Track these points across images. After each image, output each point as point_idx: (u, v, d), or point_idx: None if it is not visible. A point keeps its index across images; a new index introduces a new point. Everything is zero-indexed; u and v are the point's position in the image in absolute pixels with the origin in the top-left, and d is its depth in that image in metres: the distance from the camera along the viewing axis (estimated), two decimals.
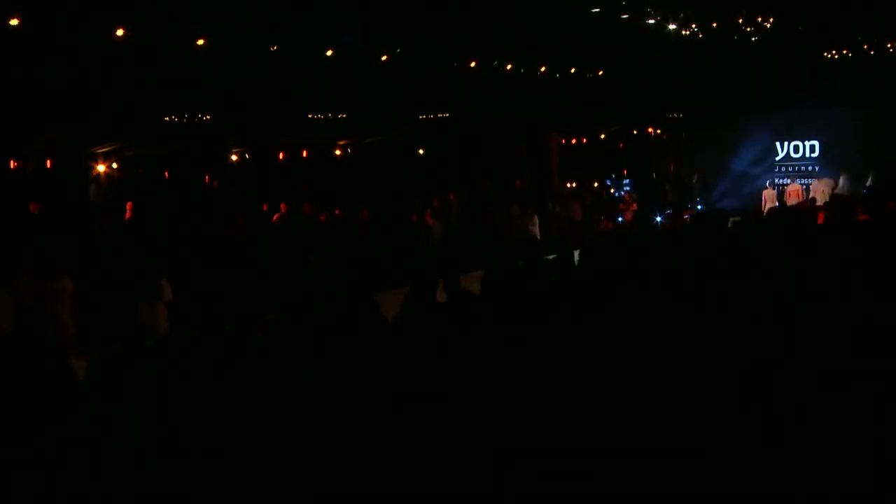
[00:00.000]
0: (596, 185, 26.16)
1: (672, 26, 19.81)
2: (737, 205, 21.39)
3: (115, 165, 17.41)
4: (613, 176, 27.07)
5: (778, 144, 24.24)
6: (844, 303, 5.59)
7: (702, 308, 5.83)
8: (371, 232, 17.61)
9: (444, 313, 6.50)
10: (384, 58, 17.12)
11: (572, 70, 21.93)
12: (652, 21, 19.42)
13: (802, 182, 23.00)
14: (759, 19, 21.69)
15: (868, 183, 20.36)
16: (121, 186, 17.52)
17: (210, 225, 16.32)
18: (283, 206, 17.85)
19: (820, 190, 21.21)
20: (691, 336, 5.15)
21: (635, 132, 28.00)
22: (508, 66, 19.85)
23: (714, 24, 20.92)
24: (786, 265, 6.84)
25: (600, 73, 23.16)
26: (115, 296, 10.79)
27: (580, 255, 8.33)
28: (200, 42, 14.18)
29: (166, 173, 20.24)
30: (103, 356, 5.22)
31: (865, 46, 24.35)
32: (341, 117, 20.74)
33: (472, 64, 19.04)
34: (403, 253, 16.55)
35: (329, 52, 16.22)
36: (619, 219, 21.96)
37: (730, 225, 11.09)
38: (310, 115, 20.21)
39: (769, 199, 21.98)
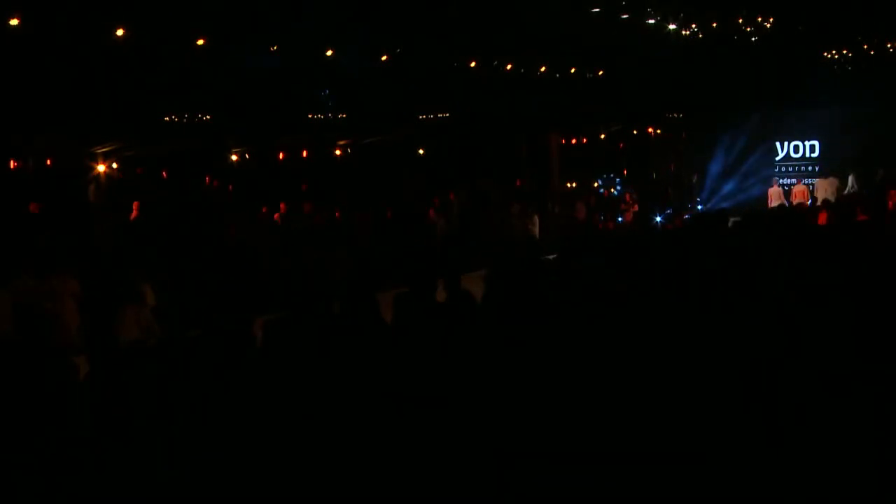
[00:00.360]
0: (597, 185, 26.16)
1: (672, 26, 19.81)
2: (736, 204, 21.42)
3: (115, 165, 17.40)
4: (605, 176, 27.04)
5: (778, 144, 24.24)
6: (844, 303, 5.59)
7: (701, 308, 5.82)
8: (371, 232, 17.62)
9: (443, 313, 6.49)
10: (384, 58, 17.12)
11: (572, 70, 21.94)
12: (652, 21, 19.42)
13: (808, 182, 23.00)
14: (759, 19, 21.69)
15: (878, 179, 20.37)
16: (121, 186, 17.51)
17: (208, 226, 16.33)
18: (282, 205, 17.85)
19: (823, 189, 21.22)
20: (691, 336, 5.15)
21: (635, 132, 28.00)
22: (508, 66, 19.85)
23: (714, 24, 20.93)
24: (785, 265, 6.84)
25: (600, 73, 23.16)
26: (107, 298, 10.75)
27: (581, 256, 8.33)
28: (200, 42, 14.18)
29: (164, 173, 20.21)
30: (103, 356, 5.22)
31: (865, 46, 24.35)
32: (341, 117, 20.74)
33: (472, 64, 19.04)
34: (404, 253, 16.55)
35: (329, 52, 16.22)
36: (619, 219, 21.97)
37: (730, 225, 11.10)
38: (310, 115, 20.21)
39: (775, 197, 22.01)
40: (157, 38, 13.74)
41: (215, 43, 14.29)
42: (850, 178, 21.25)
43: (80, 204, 16.24)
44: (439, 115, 22.86)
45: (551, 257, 10.01)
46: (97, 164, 17.02)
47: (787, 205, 20.64)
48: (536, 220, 19.68)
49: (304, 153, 21.74)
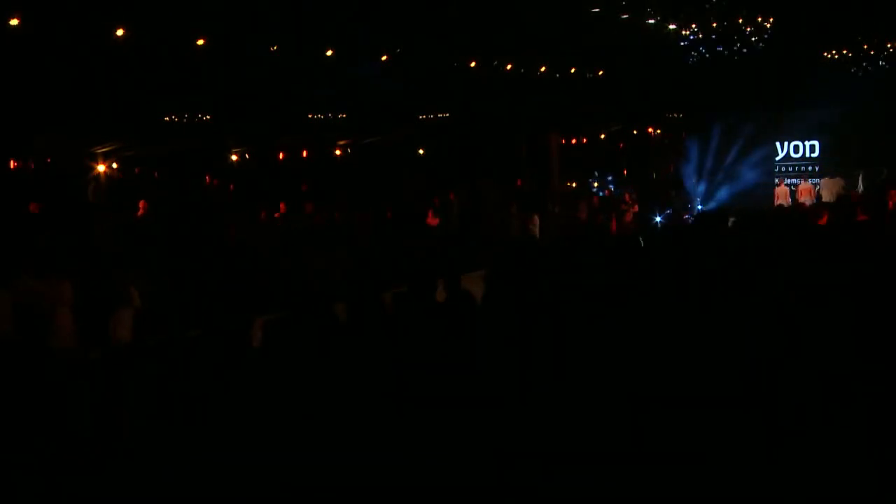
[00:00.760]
0: (596, 185, 26.15)
1: (672, 26, 19.82)
2: (735, 204, 21.39)
3: (115, 165, 17.41)
4: (598, 175, 27.01)
5: (778, 144, 24.23)
6: (844, 303, 5.59)
7: (701, 308, 5.82)
8: (371, 232, 17.61)
9: (443, 313, 6.50)
10: (384, 58, 17.13)
11: (572, 70, 21.94)
12: (652, 21, 19.42)
13: (814, 181, 22.99)
14: (759, 19, 21.69)
15: (882, 178, 20.37)
16: (120, 186, 17.52)
17: (208, 226, 16.32)
18: (282, 205, 17.84)
19: (829, 188, 21.23)
20: (691, 336, 5.15)
21: (635, 132, 28.00)
22: (508, 66, 19.85)
23: (714, 24, 20.93)
24: (785, 265, 6.84)
25: (600, 73, 23.16)
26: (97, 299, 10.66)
27: (582, 256, 8.33)
28: (200, 42, 14.19)
29: (158, 174, 20.23)
30: (103, 356, 5.22)
31: (865, 46, 24.34)
32: (341, 117, 20.75)
33: (472, 64, 19.04)
34: (404, 253, 16.54)
35: (329, 52, 16.22)
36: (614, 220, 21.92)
37: (730, 225, 11.08)
38: (310, 115, 20.23)
39: (781, 196, 22.02)
40: (157, 38, 13.74)
41: (215, 43, 14.29)
42: (860, 178, 21.25)
43: (80, 204, 16.25)
44: (439, 115, 22.87)
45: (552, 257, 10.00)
46: (97, 164, 17.03)
47: (789, 204, 20.65)
48: (536, 220, 19.67)
49: (304, 153, 21.75)
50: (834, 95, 22.76)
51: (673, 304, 6.03)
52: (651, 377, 4.60)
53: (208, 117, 18.80)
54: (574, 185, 25.26)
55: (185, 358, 5.34)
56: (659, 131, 27.76)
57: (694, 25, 20.53)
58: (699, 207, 22.68)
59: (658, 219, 20.29)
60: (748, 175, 23.87)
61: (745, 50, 22.48)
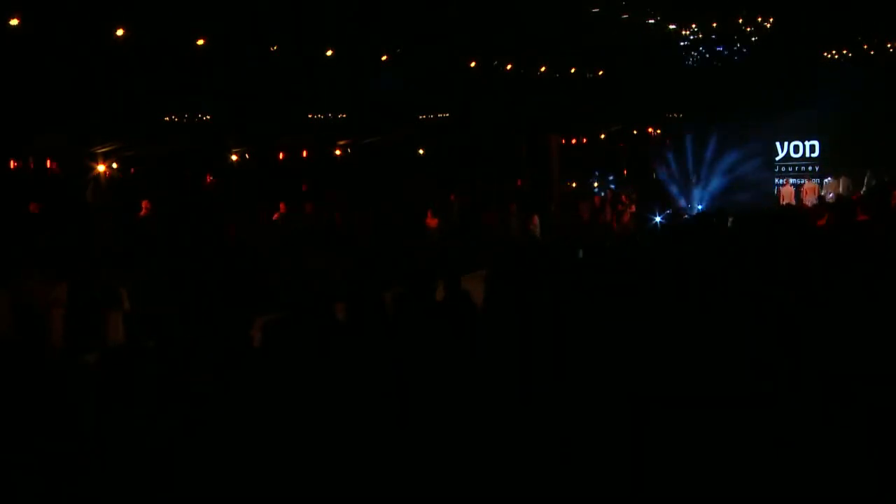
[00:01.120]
0: (596, 185, 26.15)
1: (672, 26, 19.84)
2: (735, 203, 21.40)
3: (115, 165, 17.41)
4: (597, 174, 27.01)
5: (778, 144, 24.25)
6: (844, 303, 5.59)
7: (700, 308, 5.82)
8: (371, 232, 17.61)
9: (443, 313, 6.50)
10: (384, 58, 17.13)
11: (572, 70, 21.95)
12: (652, 21, 19.45)
13: (816, 181, 23.02)
14: (759, 19, 21.71)
15: (886, 178, 20.41)
16: (121, 186, 17.52)
17: (208, 226, 16.32)
18: (282, 205, 17.84)
19: (833, 187, 21.25)
20: (690, 336, 5.15)
21: (635, 132, 28.00)
22: (508, 66, 19.86)
23: (714, 24, 20.95)
24: (784, 265, 6.84)
25: (600, 73, 23.17)
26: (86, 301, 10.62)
27: (583, 255, 8.33)
28: (200, 42, 14.20)
29: (162, 173, 20.20)
30: (102, 356, 5.22)
31: (865, 46, 24.36)
32: (341, 117, 20.76)
33: (472, 64, 19.05)
34: (404, 253, 16.55)
35: (329, 52, 16.23)
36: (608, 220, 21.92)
37: (729, 224, 11.08)
38: (310, 115, 20.24)
39: (787, 195, 22.05)
40: (157, 38, 13.76)
41: (215, 43, 14.30)
42: (865, 178, 21.26)
43: (80, 204, 16.26)
44: (439, 115, 22.88)
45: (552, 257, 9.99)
46: (97, 164, 17.04)
47: (793, 203, 20.69)
48: (536, 220, 19.68)
49: (304, 153, 21.76)
50: (834, 95, 22.79)
51: (673, 304, 6.04)
52: (650, 376, 4.60)
53: (208, 117, 18.80)
54: (574, 184, 25.26)
55: (185, 358, 5.35)
56: (659, 131, 27.76)
57: (694, 25, 20.56)
58: (699, 207, 22.70)
59: (658, 219, 20.29)
60: (747, 175, 23.90)
61: (745, 50, 22.50)
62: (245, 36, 14.79)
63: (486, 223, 19.47)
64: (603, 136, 27.24)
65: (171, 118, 18.55)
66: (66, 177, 16.63)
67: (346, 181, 21.26)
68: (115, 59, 13.61)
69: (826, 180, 22.59)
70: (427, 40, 17.07)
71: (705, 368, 4.69)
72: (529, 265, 8.13)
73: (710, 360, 4.75)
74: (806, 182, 22.97)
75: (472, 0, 16.01)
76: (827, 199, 19.64)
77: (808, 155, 24.09)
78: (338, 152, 22.32)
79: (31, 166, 16.89)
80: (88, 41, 13.09)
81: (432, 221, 18.50)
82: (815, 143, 23.91)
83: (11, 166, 16.80)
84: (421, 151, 24.10)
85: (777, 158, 24.36)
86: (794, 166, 24.21)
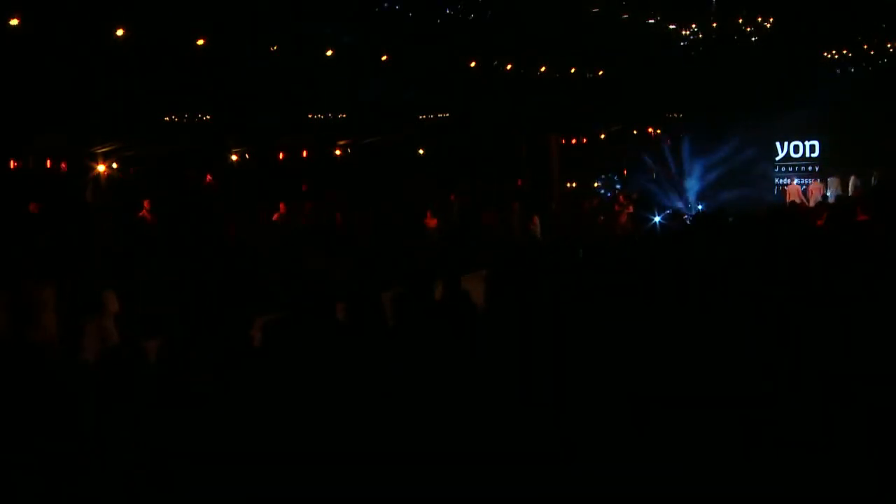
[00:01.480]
0: (596, 185, 26.14)
1: (672, 26, 19.85)
2: (737, 203, 21.39)
3: (115, 165, 17.41)
4: (605, 176, 27.01)
5: (778, 144, 24.25)
6: (844, 303, 5.59)
7: (700, 308, 5.83)
8: (371, 232, 17.61)
9: (443, 313, 6.50)
10: (384, 58, 17.14)
11: (572, 70, 21.95)
12: (652, 21, 19.46)
13: (821, 180, 23.04)
14: (759, 19, 21.72)
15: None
16: (121, 186, 17.51)
17: (208, 226, 16.32)
18: (282, 205, 17.84)
19: (836, 186, 21.26)
20: (691, 336, 5.16)
21: (635, 132, 27.99)
22: (508, 66, 19.86)
23: (714, 24, 20.96)
24: (783, 265, 6.84)
25: (600, 73, 23.17)
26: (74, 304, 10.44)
27: (584, 255, 8.33)
28: (200, 42, 14.20)
29: (161, 173, 20.17)
30: (102, 357, 5.22)
31: (865, 46, 24.37)
32: (341, 117, 20.76)
33: (472, 64, 19.06)
34: (404, 253, 16.54)
35: (329, 52, 16.24)
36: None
37: (729, 224, 11.08)
38: (310, 115, 20.23)
39: (793, 193, 22.06)
40: (157, 38, 13.76)
41: (215, 43, 14.31)
42: (873, 177, 21.26)
43: (80, 204, 16.25)
44: (439, 115, 22.88)
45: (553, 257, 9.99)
46: (97, 164, 17.03)
47: (801, 202, 20.71)
48: (536, 220, 19.68)
49: (304, 153, 21.75)
50: (834, 95, 22.79)
51: (672, 304, 6.04)
52: (650, 376, 4.60)
53: (208, 117, 18.80)
54: (574, 185, 25.26)
55: (184, 358, 5.35)
56: (659, 131, 27.75)
57: (694, 25, 20.57)
58: (699, 207, 22.69)
59: (657, 219, 20.28)
60: (747, 175, 23.90)
61: (744, 50, 22.52)
62: (245, 36, 14.80)
63: (486, 223, 19.47)
64: (603, 136, 27.23)
65: (171, 118, 18.54)
66: (66, 177, 16.62)
67: (346, 181, 21.26)
68: (115, 59, 13.61)
69: (830, 179, 22.61)
70: (427, 40, 17.07)
71: (705, 368, 4.69)
72: (530, 265, 8.13)
73: (710, 360, 4.75)
74: (812, 181, 22.96)
75: (472, 0, 16.03)
76: (828, 199, 19.66)
77: (808, 155, 24.10)
78: (338, 152, 22.32)
79: (31, 166, 16.88)
80: (88, 41, 13.09)
81: (432, 221, 18.50)
82: (815, 143, 23.91)
83: (11, 166, 16.79)
84: (421, 151, 24.10)
85: (777, 158, 24.37)
86: (794, 166, 24.21)
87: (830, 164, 23.08)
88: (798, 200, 21.09)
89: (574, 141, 26.12)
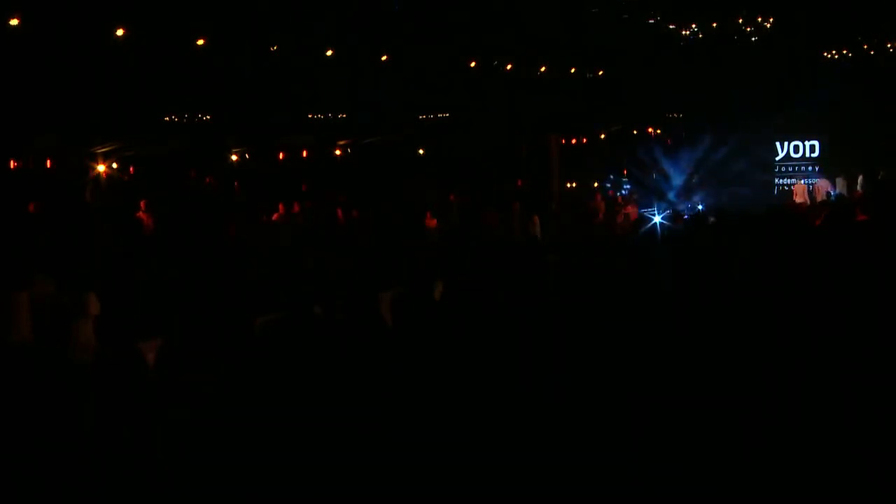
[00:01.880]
0: (596, 185, 26.08)
1: (672, 26, 19.86)
2: (737, 203, 21.37)
3: (115, 165, 17.39)
4: (611, 177, 26.97)
5: (778, 144, 24.23)
6: (844, 302, 5.60)
7: (700, 308, 5.84)
8: (371, 232, 17.58)
9: (442, 313, 6.51)
10: (384, 58, 17.13)
11: (572, 70, 21.94)
12: (652, 21, 19.46)
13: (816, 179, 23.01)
14: (759, 19, 21.72)
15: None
16: (121, 186, 17.50)
17: (208, 226, 16.29)
18: (281, 206, 17.82)
19: (842, 185, 21.24)
20: (691, 335, 5.17)
21: (635, 132, 27.97)
22: (508, 66, 19.86)
23: (714, 24, 20.96)
24: (784, 265, 6.84)
25: (600, 73, 23.17)
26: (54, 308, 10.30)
27: (584, 256, 8.34)
28: (200, 42, 14.20)
29: (148, 175, 20.11)
30: (103, 357, 5.22)
31: (865, 46, 24.36)
32: (341, 117, 20.75)
33: (472, 64, 19.05)
34: (404, 253, 16.51)
35: (329, 52, 16.23)
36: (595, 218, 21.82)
37: (728, 224, 11.07)
38: (310, 115, 20.22)
39: (799, 193, 22.04)
40: (157, 38, 13.75)
41: (215, 43, 14.31)
42: (879, 175, 21.23)
43: (80, 204, 16.23)
44: (439, 115, 22.87)
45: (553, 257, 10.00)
46: (97, 164, 17.02)
47: (807, 202, 20.69)
48: (537, 220, 19.65)
49: (304, 153, 21.74)
50: (834, 95, 22.78)
51: (672, 304, 6.04)
52: (649, 375, 4.61)
53: (208, 117, 18.79)
54: (574, 185, 25.22)
55: (184, 358, 5.35)
56: (659, 131, 27.73)
57: (694, 25, 20.56)
58: (700, 207, 22.66)
59: (657, 219, 20.24)
60: (747, 175, 23.86)
61: (745, 50, 22.51)
62: (245, 36, 14.79)
63: (486, 223, 19.44)
64: (603, 136, 27.20)
65: (171, 118, 18.53)
66: (65, 177, 16.59)
67: (346, 181, 21.24)
68: (115, 59, 13.60)
69: (838, 179, 22.59)
70: (427, 40, 17.07)
71: (705, 369, 4.69)
72: (530, 265, 8.13)
73: (710, 360, 4.76)
74: (819, 180, 22.92)
75: (472, 0, 16.03)
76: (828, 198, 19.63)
77: (808, 155, 24.08)
78: (338, 152, 22.30)
79: (31, 166, 16.85)
80: (88, 41, 13.09)
81: (432, 222, 18.49)
82: (815, 143, 23.90)
83: (11, 166, 16.78)
84: (421, 151, 24.08)
85: (777, 158, 24.35)
86: (794, 166, 24.20)
87: (831, 164, 23.06)
88: (804, 201, 21.06)
89: (574, 141, 26.09)
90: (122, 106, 15.28)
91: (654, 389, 4.47)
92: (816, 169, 23.73)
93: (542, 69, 20.94)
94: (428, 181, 22.09)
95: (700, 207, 22.87)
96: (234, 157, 20.00)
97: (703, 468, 3.89)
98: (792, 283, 6.27)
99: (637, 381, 4.58)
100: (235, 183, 20.15)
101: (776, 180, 24.14)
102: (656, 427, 4.18)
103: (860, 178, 21.63)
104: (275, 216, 17.66)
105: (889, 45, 24.43)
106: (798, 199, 21.00)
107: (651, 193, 24.38)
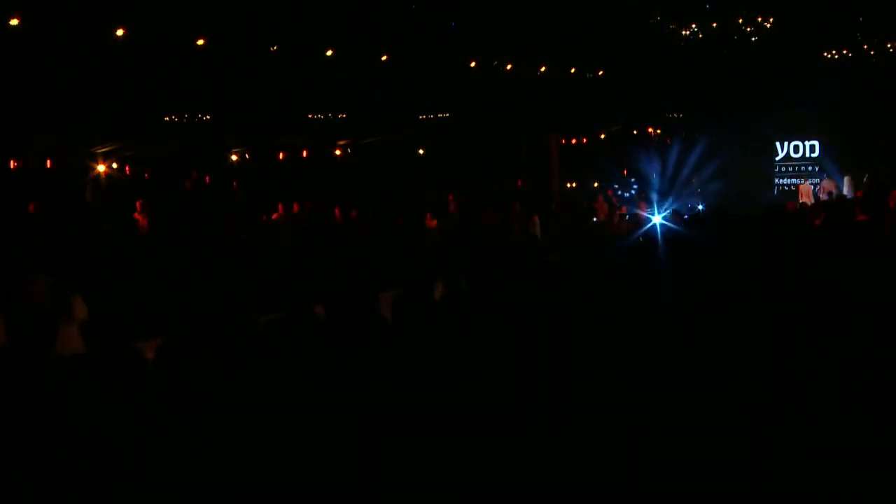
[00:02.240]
0: (596, 185, 26.10)
1: (672, 26, 19.87)
2: (737, 203, 21.38)
3: (115, 165, 17.40)
4: (607, 177, 26.99)
5: (778, 144, 24.25)
6: (843, 302, 5.59)
7: (701, 308, 5.83)
8: (371, 232, 17.59)
9: (442, 313, 6.50)
10: (384, 58, 17.14)
11: (572, 70, 21.95)
12: (652, 21, 19.46)
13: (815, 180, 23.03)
14: (759, 19, 21.72)
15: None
16: (120, 186, 17.50)
17: (208, 226, 16.30)
18: (280, 206, 17.83)
19: (849, 184, 21.28)
20: (692, 335, 5.16)
21: (635, 132, 27.99)
22: (508, 66, 19.87)
23: (714, 24, 20.96)
24: (784, 265, 6.84)
25: (600, 73, 23.18)
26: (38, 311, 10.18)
27: (584, 256, 8.35)
28: (200, 42, 14.21)
29: (147, 175, 20.12)
30: (102, 357, 5.22)
31: (865, 46, 24.37)
32: (341, 117, 20.76)
33: (473, 64, 19.06)
34: (404, 253, 16.52)
35: (329, 52, 16.24)
36: (595, 219, 21.85)
37: (728, 224, 11.09)
38: (310, 115, 20.23)
39: (804, 193, 22.07)
40: (157, 38, 13.76)
41: (215, 43, 14.31)
42: (865, 179, 21.27)
43: (80, 204, 16.25)
44: (439, 115, 22.88)
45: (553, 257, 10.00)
46: (97, 164, 17.03)
47: (812, 202, 20.72)
48: (537, 220, 19.66)
49: (304, 153, 21.74)
50: (834, 95, 22.79)
51: (672, 304, 6.04)
52: (649, 375, 4.60)
53: (208, 117, 18.81)
54: (574, 185, 25.24)
55: (184, 358, 5.34)
56: (659, 131, 27.75)
57: (694, 25, 20.57)
58: (699, 207, 22.67)
59: (656, 219, 20.25)
60: (746, 175, 23.88)
61: (745, 50, 22.52)
62: (245, 36, 14.80)
63: (486, 223, 19.45)
64: (603, 136, 27.22)
65: (171, 118, 18.54)
66: (65, 177, 16.60)
67: (346, 181, 21.25)
68: (115, 59, 13.61)
69: (845, 178, 22.61)
70: (427, 41, 17.08)
71: (705, 369, 4.69)
72: (531, 266, 8.13)
73: (710, 360, 4.75)
74: (824, 180, 22.93)
75: (472, 0, 16.04)
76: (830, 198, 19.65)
77: (808, 155, 24.10)
78: (338, 152, 22.31)
79: (31, 166, 16.86)
80: (88, 41, 13.10)
81: (432, 222, 18.50)
82: (815, 143, 23.91)
83: (11, 166, 16.78)
84: (421, 151, 24.09)
85: (777, 158, 24.37)
86: (793, 166, 24.21)
87: (831, 164, 23.08)
88: (808, 201, 21.07)
89: (574, 141, 26.10)
90: (122, 106, 15.29)
91: (653, 389, 4.46)
92: (816, 169, 23.75)
93: (542, 69, 20.95)
94: (428, 181, 22.10)
95: (700, 207, 22.90)
96: (233, 157, 20.01)
97: (703, 468, 3.89)
98: (792, 283, 6.27)
99: (637, 381, 4.57)
100: (235, 183, 20.14)
101: (776, 180, 24.16)
102: (656, 427, 4.18)
103: (865, 178, 21.65)
104: (275, 216, 17.68)
105: (889, 45, 24.43)
106: (803, 200, 21.02)
107: (651, 193, 24.40)
